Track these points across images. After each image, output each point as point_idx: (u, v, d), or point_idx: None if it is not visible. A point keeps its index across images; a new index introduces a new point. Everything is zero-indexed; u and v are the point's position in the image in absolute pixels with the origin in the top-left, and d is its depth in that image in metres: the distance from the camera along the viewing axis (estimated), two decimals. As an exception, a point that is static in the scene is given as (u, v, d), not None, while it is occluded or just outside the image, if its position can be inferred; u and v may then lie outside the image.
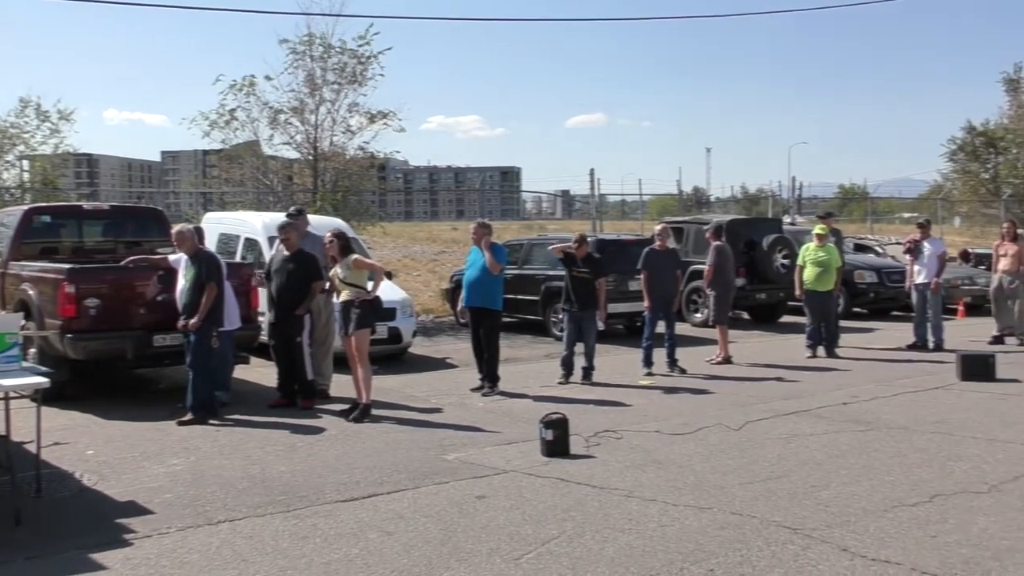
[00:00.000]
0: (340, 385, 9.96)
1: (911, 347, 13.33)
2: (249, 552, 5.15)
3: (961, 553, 4.92)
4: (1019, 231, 14.44)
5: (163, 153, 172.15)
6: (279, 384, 9.76)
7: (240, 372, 10.41)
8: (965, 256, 21.69)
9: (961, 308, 17.86)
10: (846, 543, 5.10)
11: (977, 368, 10.57)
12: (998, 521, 5.46)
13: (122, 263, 10.03)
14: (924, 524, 5.42)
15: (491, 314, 10.35)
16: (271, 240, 9.95)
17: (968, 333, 14.56)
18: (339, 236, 9.31)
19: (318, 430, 8.46)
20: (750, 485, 6.32)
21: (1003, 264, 14.02)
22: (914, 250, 13.70)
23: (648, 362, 11.49)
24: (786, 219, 26.24)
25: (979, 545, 5.05)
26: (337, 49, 18.44)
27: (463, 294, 10.75)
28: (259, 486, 6.51)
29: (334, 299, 9.49)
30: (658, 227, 12.65)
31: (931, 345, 13.20)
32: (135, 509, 5.99)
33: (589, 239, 14.47)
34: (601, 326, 11.17)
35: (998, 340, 13.68)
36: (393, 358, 12.58)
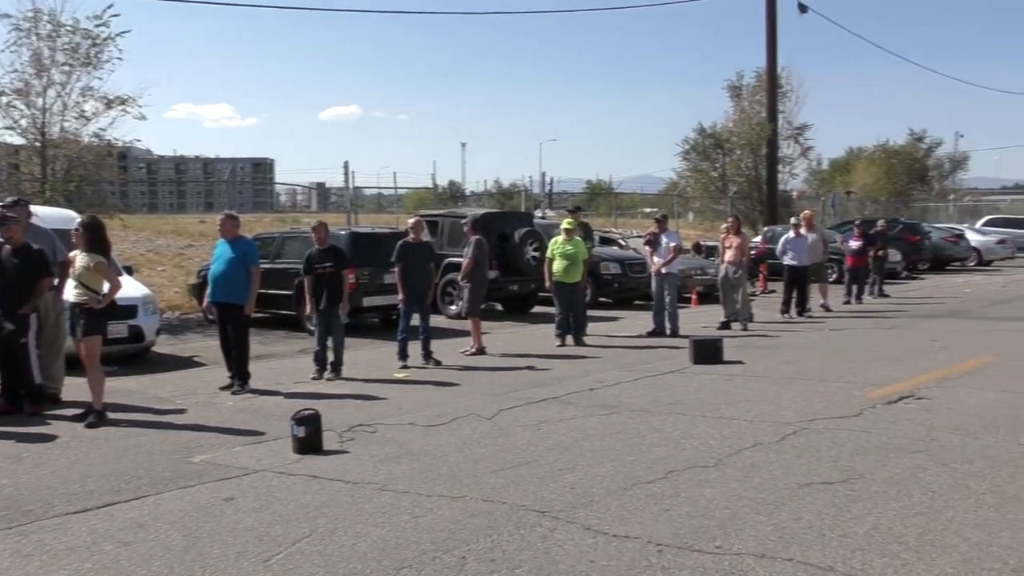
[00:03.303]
0: (74, 389, 9.27)
1: (651, 334, 14.18)
2: (-38, 576, 4.67)
3: (691, 524, 5.29)
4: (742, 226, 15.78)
5: None
6: (2, 389, 8.92)
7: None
8: (698, 248, 23.37)
9: (694, 296, 19.20)
10: (590, 522, 5.34)
11: (707, 352, 11.41)
12: (722, 492, 5.91)
13: None
14: (659, 499, 5.78)
15: (239, 309, 9.98)
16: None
17: (700, 320, 15.69)
18: (89, 227, 8.68)
19: (48, 438, 7.83)
20: (501, 472, 6.48)
21: (728, 255, 15.23)
22: (653, 242, 14.58)
23: (403, 355, 11.51)
24: (537, 213, 27.17)
25: (706, 515, 5.45)
26: (68, 28, 17.13)
27: (209, 289, 10.30)
28: (-24, 503, 5.93)
29: (64, 296, 8.81)
30: (411, 220, 12.72)
31: (668, 331, 14.10)
32: None
33: (342, 232, 14.30)
34: (344, 319, 11.01)
35: (725, 326, 14.83)
36: (135, 358, 11.88)
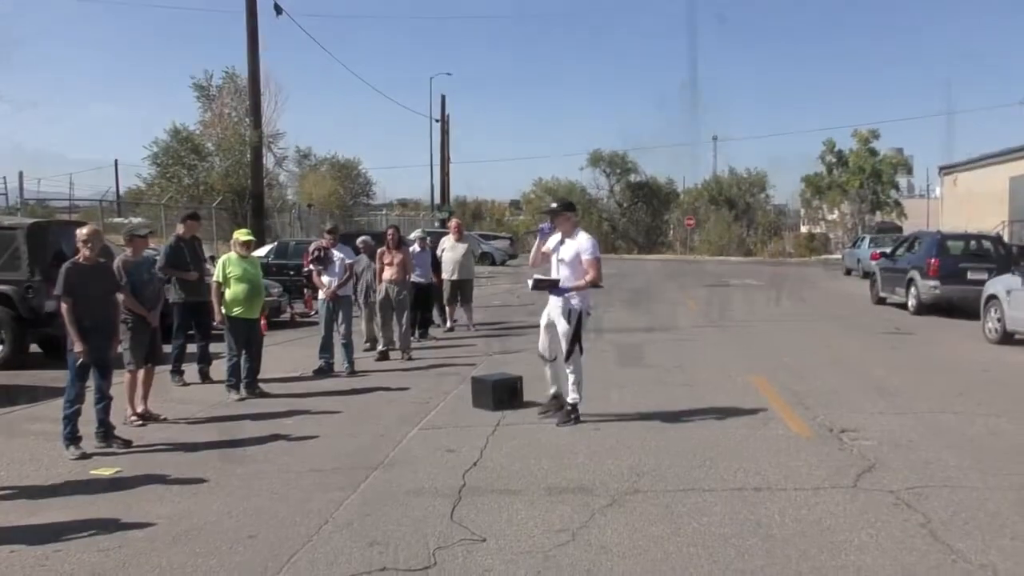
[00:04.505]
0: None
1: (318, 372, 11.66)
2: None
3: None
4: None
5: None
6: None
7: None
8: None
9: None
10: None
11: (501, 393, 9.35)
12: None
13: None
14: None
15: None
16: None
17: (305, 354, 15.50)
18: None
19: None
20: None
21: (388, 273, 13.24)
22: (323, 259, 12.08)
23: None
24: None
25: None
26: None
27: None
28: None
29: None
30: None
31: (345, 369, 11.72)
32: None
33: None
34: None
35: (383, 356, 13.00)
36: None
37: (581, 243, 8.33)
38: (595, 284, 8.45)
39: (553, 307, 8.42)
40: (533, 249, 8.72)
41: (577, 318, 8.29)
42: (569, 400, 8.43)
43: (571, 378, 8.37)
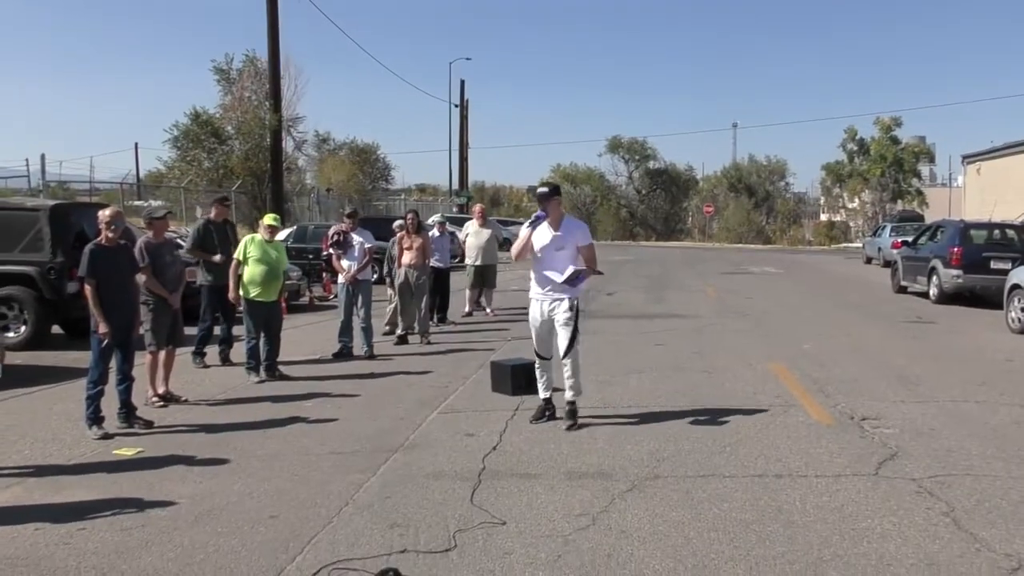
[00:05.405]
0: None
1: (337, 356, 11.76)
2: None
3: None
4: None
5: None
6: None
7: None
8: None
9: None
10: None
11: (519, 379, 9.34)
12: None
13: None
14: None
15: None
16: None
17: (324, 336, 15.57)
18: None
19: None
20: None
21: (408, 258, 13.19)
22: (342, 243, 12.12)
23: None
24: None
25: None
26: None
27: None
28: None
29: None
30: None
31: (364, 352, 11.82)
32: None
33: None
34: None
35: (402, 340, 13.02)
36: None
37: (579, 231, 7.78)
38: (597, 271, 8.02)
39: (550, 301, 7.71)
40: (521, 240, 7.77)
41: (576, 309, 7.81)
42: (569, 398, 7.83)
43: (569, 371, 7.75)
